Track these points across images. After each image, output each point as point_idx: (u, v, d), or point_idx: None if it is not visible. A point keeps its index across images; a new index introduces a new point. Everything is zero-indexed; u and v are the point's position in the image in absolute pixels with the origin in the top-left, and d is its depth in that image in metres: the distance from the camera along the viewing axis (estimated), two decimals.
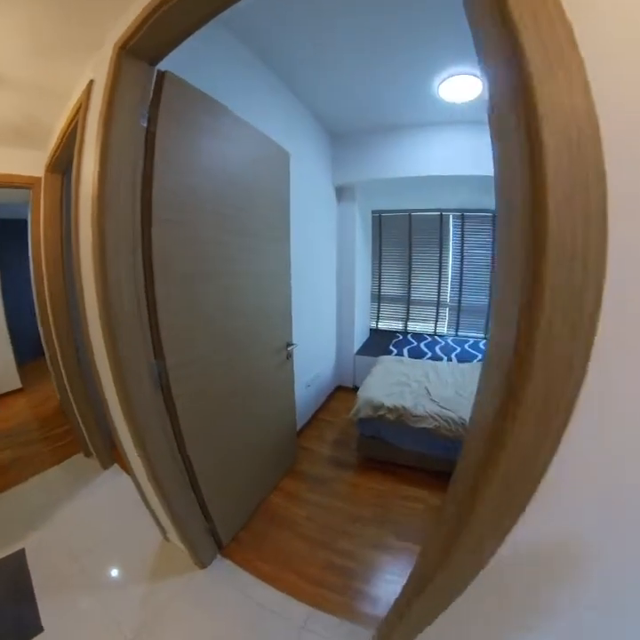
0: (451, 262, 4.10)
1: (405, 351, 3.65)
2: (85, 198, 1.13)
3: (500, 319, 0.62)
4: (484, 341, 4.00)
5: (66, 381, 2.33)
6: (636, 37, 0.41)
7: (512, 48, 0.45)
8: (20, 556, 1.67)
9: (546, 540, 0.62)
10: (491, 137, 1.16)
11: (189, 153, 1.27)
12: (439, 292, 4.29)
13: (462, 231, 3.93)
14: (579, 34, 0.42)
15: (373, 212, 4.11)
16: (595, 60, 0.41)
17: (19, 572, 1.59)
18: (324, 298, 3.13)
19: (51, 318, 2.25)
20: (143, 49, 1.05)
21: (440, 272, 4.20)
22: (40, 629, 1.34)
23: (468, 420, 2.21)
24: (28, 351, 4.44)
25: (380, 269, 4.49)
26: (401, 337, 4.14)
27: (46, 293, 2.23)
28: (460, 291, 4.18)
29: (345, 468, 2.53)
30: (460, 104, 2.49)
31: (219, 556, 1.74)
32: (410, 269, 4.34)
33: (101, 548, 1.81)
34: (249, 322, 1.67)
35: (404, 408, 2.34)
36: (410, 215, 4.08)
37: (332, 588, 1.59)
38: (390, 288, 4.54)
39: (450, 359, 3.45)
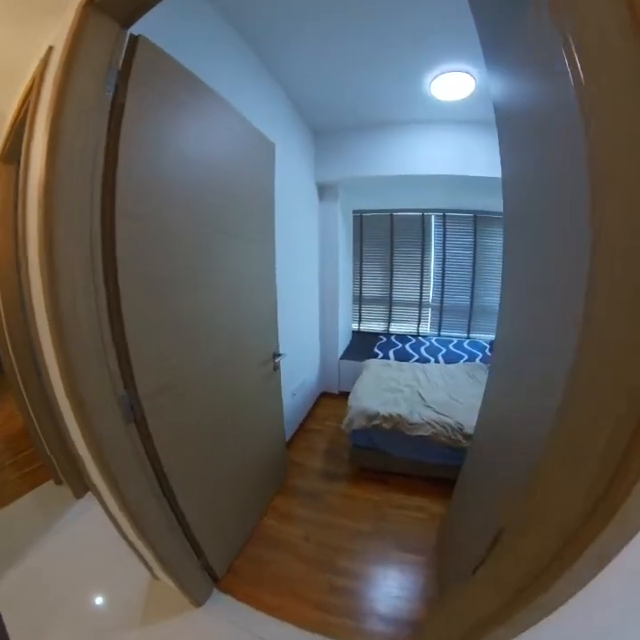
0: (433, 262, 4.07)
1: (391, 354, 3.58)
2: (33, 188, 0.88)
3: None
4: (468, 341, 4.02)
5: (27, 402, 2.05)
6: None
7: None
8: None
9: None
10: (501, 138, 1.10)
11: (164, 134, 1.07)
12: (421, 293, 4.26)
13: (444, 231, 3.92)
14: None
15: (354, 211, 4.01)
16: None
17: None
18: (307, 301, 2.98)
19: (5, 332, 1.96)
20: (115, 4, 0.85)
21: (422, 272, 4.17)
22: None
23: (464, 424, 2.18)
24: None
25: (361, 270, 4.40)
26: (384, 339, 4.07)
27: None
28: (442, 291, 4.17)
29: (338, 479, 2.39)
30: (452, 102, 2.43)
31: (215, 591, 1.56)
32: (391, 270, 4.29)
33: (82, 591, 1.57)
34: (233, 334, 1.48)
35: (399, 416, 2.25)
36: (391, 215, 4.02)
37: (337, 612, 1.47)
38: (372, 289, 4.46)
39: (437, 360, 3.41)
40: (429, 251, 4.03)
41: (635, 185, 0.44)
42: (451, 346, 3.82)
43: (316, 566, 1.71)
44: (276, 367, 1.96)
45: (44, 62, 0.95)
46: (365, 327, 4.61)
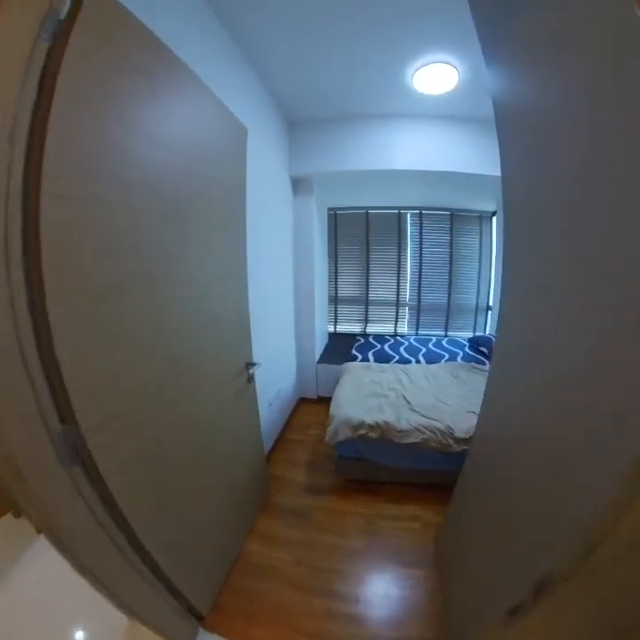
0: (409, 261, 4.01)
1: (370, 355, 3.45)
2: None
3: None
4: (446, 339, 3.98)
5: None
6: None
7: None
8: None
9: None
10: (500, 135, 1.12)
11: (112, 96, 0.84)
12: (398, 292, 4.19)
13: (420, 229, 3.86)
14: None
15: (329, 209, 3.86)
16: None
17: None
18: (281, 302, 2.77)
19: None
20: None
21: (398, 271, 4.09)
22: None
23: (454, 428, 2.07)
24: None
25: (336, 270, 4.26)
26: (362, 340, 3.94)
27: None
28: (419, 289, 4.11)
29: (325, 493, 2.22)
30: (434, 96, 2.34)
31: (201, 631, 1.36)
32: (367, 269, 4.18)
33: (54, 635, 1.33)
34: (200, 344, 1.25)
35: (386, 423, 2.11)
36: (367, 213, 3.91)
37: None
38: (348, 289, 4.33)
39: (418, 361, 3.32)
40: (406, 249, 3.96)
41: None
42: (430, 345, 3.76)
43: (310, 592, 1.55)
44: (251, 378, 1.75)
45: None
46: (342, 328, 4.48)
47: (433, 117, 2.59)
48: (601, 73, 0.60)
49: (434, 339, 3.96)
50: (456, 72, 2.06)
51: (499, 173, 2.64)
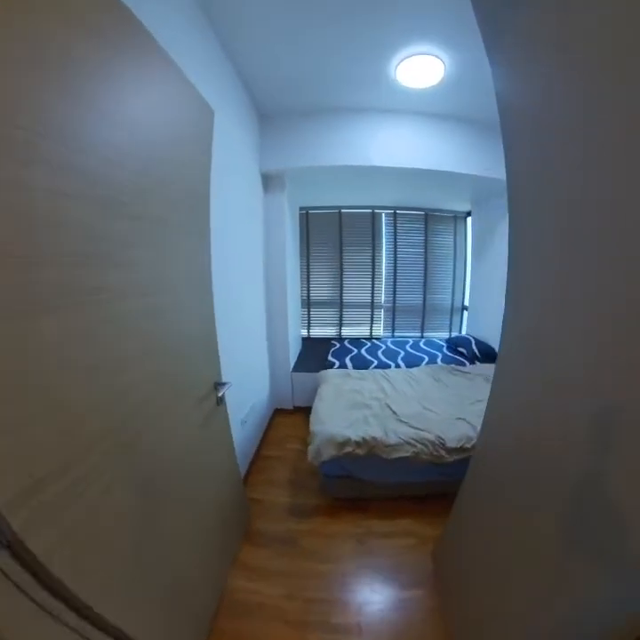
0: (384, 262, 3.90)
1: (348, 361, 3.28)
2: None
3: None
4: (423, 340, 3.92)
5: None
6: None
7: None
8: None
9: None
10: (505, 133, 1.08)
11: (52, 57, 0.61)
12: (373, 293, 4.07)
13: (394, 230, 3.76)
14: None
15: (301, 208, 3.67)
16: None
17: None
18: (251, 308, 2.50)
19: None
20: None
21: (373, 272, 3.98)
22: None
23: (445, 438, 1.93)
24: None
25: (308, 272, 4.07)
26: (338, 345, 3.77)
27: None
28: (394, 291, 4.02)
29: (310, 515, 2.02)
30: (418, 90, 2.22)
31: None
32: (341, 271, 4.03)
33: None
34: (157, 366, 1.00)
35: (374, 439, 1.94)
36: (340, 212, 3.76)
37: None
38: (321, 292, 4.16)
39: (397, 365, 3.21)
40: (380, 249, 3.85)
41: None
42: (408, 347, 3.67)
43: (306, 628, 1.40)
44: (220, 401, 1.51)
45: None
46: (316, 332, 4.30)
47: (414, 114, 2.49)
48: (601, 73, 0.62)
49: (411, 341, 3.89)
50: (442, 65, 1.96)
51: (477, 173, 2.62)
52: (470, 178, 2.69)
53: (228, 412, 1.75)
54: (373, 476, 2.01)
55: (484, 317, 3.61)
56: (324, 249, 3.97)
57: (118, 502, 0.83)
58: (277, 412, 3.27)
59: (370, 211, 3.72)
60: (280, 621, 1.41)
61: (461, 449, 1.94)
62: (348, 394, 2.51)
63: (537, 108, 0.86)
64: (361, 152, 2.50)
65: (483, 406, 2.35)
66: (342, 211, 3.76)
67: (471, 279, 3.80)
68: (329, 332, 4.27)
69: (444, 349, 3.62)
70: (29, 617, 0.61)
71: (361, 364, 3.22)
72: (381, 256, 3.89)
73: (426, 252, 3.85)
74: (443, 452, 1.93)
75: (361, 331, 4.22)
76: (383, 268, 3.93)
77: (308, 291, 4.13)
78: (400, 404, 2.35)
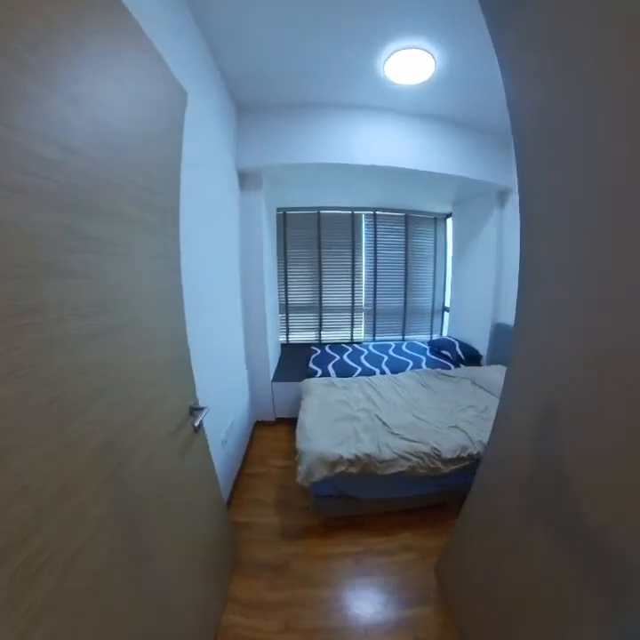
0: (364, 264, 3.80)
1: (331, 368, 3.14)
2: None
3: None
4: (405, 343, 3.85)
5: None
6: None
7: None
8: None
9: None
10: (517, 140, 1.00)
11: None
12: (353, 297, 3.96)
13: (375, 231, 3.67)
14: None
15: (278, 209, 3.50)
16: None
17: None
18: (226, 315, 2.29)
19: None
20: None
21: (353, 275, 3.87)
22: None
23: (440, 448, 1.82)
24: None
25: (286, 275, 3.90)
26: (318, 351, 3.62)
27: None
28: (375, 293, 3.93)
29: (302, 537, 1.87)
30: (407, 87, 2.13)
31: None
32: (320, 274, 3.89)
33: None
34: (117, 399, 0.79)
35: (367, 456, 1.81)
36: (319, 213, 3.62)
37: None
38: (299, 296, 4.00)
39: (382, 371, 3.10)
40: (360, 251, 3.75)
41: None
42: (390, 351, 3.59)
43: None
44: (198, 427, 1.31)
45: None
46: (295, 338, 4.13)
47: (400, 113, 2.42)
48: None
49: (393, 344, 3.81)
50: (432, 61, 1.88)
51: (461, 174, 2.57)
52: (454, 179, 2.64)
53: (207, 433, 1.56)
54: (368, 494, 1.89)
55: (465, 319, 3.59)
56: (302, 251, 3.81)
57: (91, 561, 0.64)
58: (259, 425, 3.08)
59: (349, 212, 3.61)
60: None
61: (457, 459, 1.87)
62: (334, 405, 2.37)
63: (548, 115, 0.85)
64: (344, 150, 2.38)
65: (473, 412, 2.33)
66: (321, 212, 3.62)
67: (452, 280, 3.78)
68: (309, 337, 4.12)
69: (428, 352, 3.56)
70: None
71: (344, 371, 3.09)
72: (361, 258, 3.79)
73: (406, 253, 3.79)
74: (439, 464, 1.85)
75: (341, 335, 4.10)
76: (363, 270, 3.84)
77: (286, 295, 3.96)
78: (390, 415, 2.24)
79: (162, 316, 1.03)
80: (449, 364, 3.23)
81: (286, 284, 3.92)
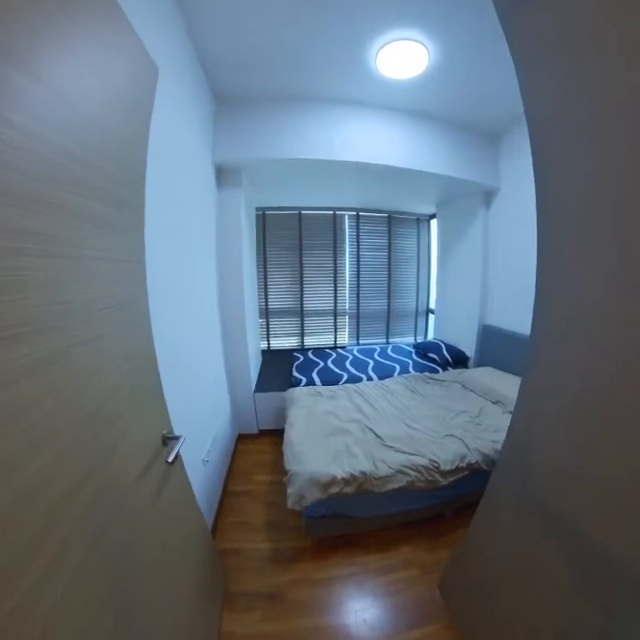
0: (347, 266, 3.68)
1: (315, 376, 2.99)
2: None
3: None
4: (390, 347, 3.76)
5: None
6: None
7: None
8: None
9: None
10: (533, 140, 0.95)
11: None
12: (336, 300, 3.83)
13: (357, 232, 3.56)
14: None
15: (257, 209, 3.32)
16: None
17: None
18: (203, 324, 2.07)
19: None
20: None
21: (335, 277, 3.74)
22: None
23: (438, 459, 1.72)
24: None
25: (265, 278, 3.72)
26: (301, 357, 3.46)
27: None
28: (358, 296, 3.82)
29: (295, 561, 1.72)
30: (398, 81, 2.03)
31: None
32: (301, 276, 3.74)
33: None
34: (72, 440, 0.60)
35: (363, 474, 1.68)
36: (300, 214, 3.46)
37: None
38: (280, 299, 3.83)
39: (369, 377, 2.98)
40: (343, 253, 3.63)
41: None
42: (376, 356, 3.48)
43: None
44: (175, 458, 1.11)
45: None
46: (276, 344, 3.95)
47: (388, 108, 2.33)
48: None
49: (378, 348, 3.71)
50: (426, 54, 1.79)
51: (447, 173, 2.49)
52: (440, 178, 2.57)
53: (187, 454, 1.38)
54: (363, 512, 1.77)
55: (451, 321, 3.54)
56: (282, 253, 3.64)
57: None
58: (241, 438, 2.88)
59: (331, 212, 3.48)
60: None
61: (456, 470, 1.79)
62: (322, 417, 2.22)
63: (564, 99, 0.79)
64: (327, 146, 2.25)
65: (467, 418, 2.24)
66: (302, 212, 3.47)
67: (437, 282, 3.72)
68: (290, 343, 3.95)
69: (414, 356, 3.48)
70: None
71: (330, 378, 2.95)
72: (344, 260, 3.67)
73: (390, 255, 3.71)
74: (437, 476, 1.76)
75: (325, 340, 3.97)
76: (346, 272, 3.72)
77: (266, 299, 3.78)
78: (382, 426, 2.12)
79: (125, 333, 0.84)
80: (436, 367, 3.16)
81: (266, 287, 3.74)
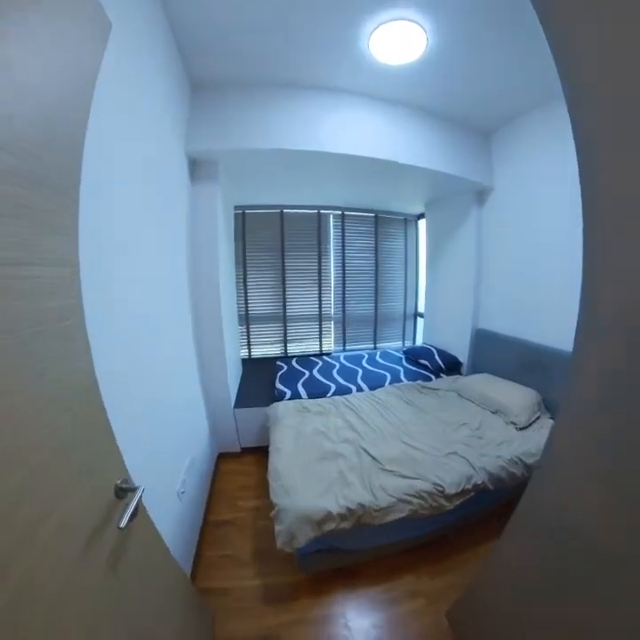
0: (332, 268, 3.48)
1: (301, 388, 2.75)
2: None
3: None
4: (379, 353, 3.58)
5: None
6: None
7: None
8: None
9: None
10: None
11: None
12: (320, 304, 3.62)
13: (343, 232, 3.36)
14: None
15: (236, 207, 3.06)
16: None
17: None
18: (174, 335, 1.78)
19: None
20: None
21: (320, 280, 3.53)
22: None
23: (443, 483, 1.59)
24: None
25: (245, 282, 3.46)
26: (285, 366, 3.22)
27: None
28: (344, 300, 3.63)
29: (290, 598, 1.53)
30: (393, 67, 1.86)
31: None
32: (284, 279, 3.51)
33: None
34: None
35: (361, 506, 1.47)
36: (282, 212, 3.23)
37: None
38: (261, 305, 3.58)
39: (359, 388, 2.78)
40: (328, 255, 3.42)
41: None
42: (364, 363, 3.30)
43: None
44: (134, 513, 0.86)
45: None
46: (258, 352, 3.70)
47: (379, 99, 2.16)
48: None
49: (366, 355, 3.52)
50: (424, 37, 1.63)
51: (441, 169, 2.33)
52: (432, 174, 2.41)
53: (160, 489, 1.14)
54: (361, 545, 1.59)
55: (442, 324, 3.40)
56: (263, 255, 3.40)
57: None
58: (222, 458, 2.62)
59: (315, 211, 3.27)
60: None
61: (462, 492, 1.63)
62: (310, 438, 2.00)
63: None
64: (314, 136, 2.04)
65: (467, 431, 2.07)
66: (284, 211, 3.25)
67: (426, 284, 3.57)
68: (273, 350, 3.71)
69: (404, 362, 3.32)
70: None
71: (317, 390, 2.72)
72: (329, 262, 3.47)
73: (377, 256, 3.54)
74: (442, 501, 1.59)
75: (309, 347, 3.75)
76: (331, 275, 3.52)
77: (246, 304, 3.52)
78: (378, 445, 1.92)
79: (43, 362, 0.59)
80: (429, 374, 3.00)
81: (246, 291, 3.49)
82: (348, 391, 2.73)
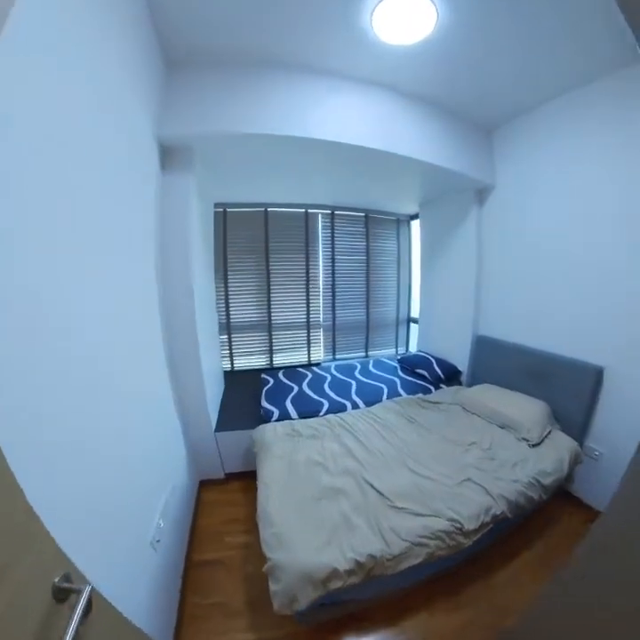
0: (321, 271, 3.23)
1: (289, 406, 2.47)
2: None
3: None
4: (371, 362, 3.35)
5: None
6: None
7: None
8: None
9: None
10: None
11: None
12: (308, 310, 3.37)
13: (332, 233, 3.13)
14: None
15: (216, 205, 2.78)
16: None
17: None
18: (137, 352, 1.43)
19: None
20: None
21: (307, 284, 3.27)
22: None
23: (461, 519, 1.39)
24: None
25: (226, 287, 3.17)
26: (271, 380, 2.93)
27: None
28: (334, 305, 3.39)
29: None
30: (399, 47, 1.65)
31: None
32: (268, 284, 3.24)
33: None
34: None
35: (372, 557, 1.23)
36: (266, 211, 2.97)
37: None
38: (244, 312, 3.29)
39: (355, 404, 2.53)
40: (316, 257, 3.18)
41: None
42: (357, 374, 3.06)
43: None
44: (85, 613, 0.59)
45: None
46: (241, 364, 3.40)
47: (376, 84, 1.96)
48: None
49: (358, 365, 3.29)
50: (434, 11, 1.43)
51: (442, 164, 2.12)
52: (430, 168, 2.21)
53: (128, 543, 0.85)
54: (370, 594, 1.35)
55: (438, 331, 3.20)
56: (246, 258, 3.12)
57: None
58: (205, 486, 2.32)
59: (303, 210, 3.03)
60: None
61: (482, 526, 1.42)
62: (304, 470, 1.73)
63: None
64: (302, 121, 1.80)
65: (478, 452, 1.85)
66: (269, 209, 2.98)
67: (421, 288, 3.38)
68: (258, 362, 3.42)
69: (399, 372, 3.10)
70: None
71: (308, 408, 2.45)
72: (317, 265, 3.22)
73: (368, 259, 3.32)
74: (461, 539, 1.39)
75: (297, 357, 3.48)
76: (320, 278, 3.27)
77: (228, 312, 3.23)
78: (382, 476, 1.68)
79: None
80: (428, 385, 2.79)
81: (227, 297, 3.19)
82: (343, 408, 2.47)
